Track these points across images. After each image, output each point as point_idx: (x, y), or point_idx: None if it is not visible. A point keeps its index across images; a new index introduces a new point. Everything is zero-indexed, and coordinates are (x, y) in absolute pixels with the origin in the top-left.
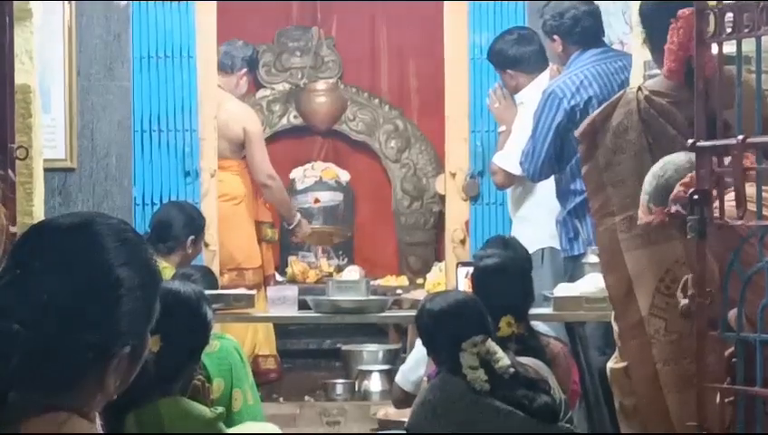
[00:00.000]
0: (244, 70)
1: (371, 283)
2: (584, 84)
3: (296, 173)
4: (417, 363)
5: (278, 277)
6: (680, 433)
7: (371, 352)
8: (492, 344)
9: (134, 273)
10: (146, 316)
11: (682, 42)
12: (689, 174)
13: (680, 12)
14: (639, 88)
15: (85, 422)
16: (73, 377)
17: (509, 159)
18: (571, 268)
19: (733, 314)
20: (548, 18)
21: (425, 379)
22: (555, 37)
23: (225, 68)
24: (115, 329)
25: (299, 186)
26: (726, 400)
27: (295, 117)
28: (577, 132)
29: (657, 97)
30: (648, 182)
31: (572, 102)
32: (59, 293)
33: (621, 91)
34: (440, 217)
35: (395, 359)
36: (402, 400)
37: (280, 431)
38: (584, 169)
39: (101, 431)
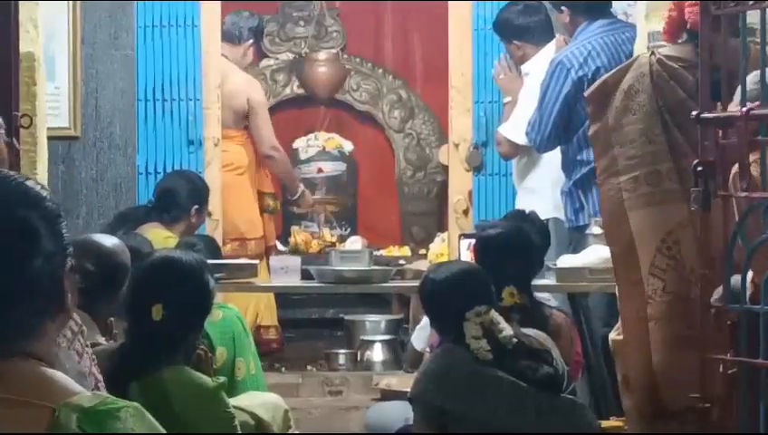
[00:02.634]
0: (251, 41)
1: (374, 253)
2: (592, 55)
3: (299, 143)
4: (428, 325)
5: (280, 247)
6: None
7: (374, 323)
8: (495, 315)
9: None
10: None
11: (676, 3)
12: None
13: None
14: (653, 52)
15: (32, 363)
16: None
17: (515, 129)
18: (576, 239)
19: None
20: None
21: (427, 349)
22: (563, 8)
23: (232, 39)
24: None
25: (302, 155)
26: (729, 371)
27: (299, 87)
28: (587, 93)
29: (669, 61)
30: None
31: (580, 73)
32: None
33: (635, 56)
34: (443, 187)
35: (397, 329)
36: (417, 360)
37: (282, 401)
38: (592, 129)
39: (61, 371)
